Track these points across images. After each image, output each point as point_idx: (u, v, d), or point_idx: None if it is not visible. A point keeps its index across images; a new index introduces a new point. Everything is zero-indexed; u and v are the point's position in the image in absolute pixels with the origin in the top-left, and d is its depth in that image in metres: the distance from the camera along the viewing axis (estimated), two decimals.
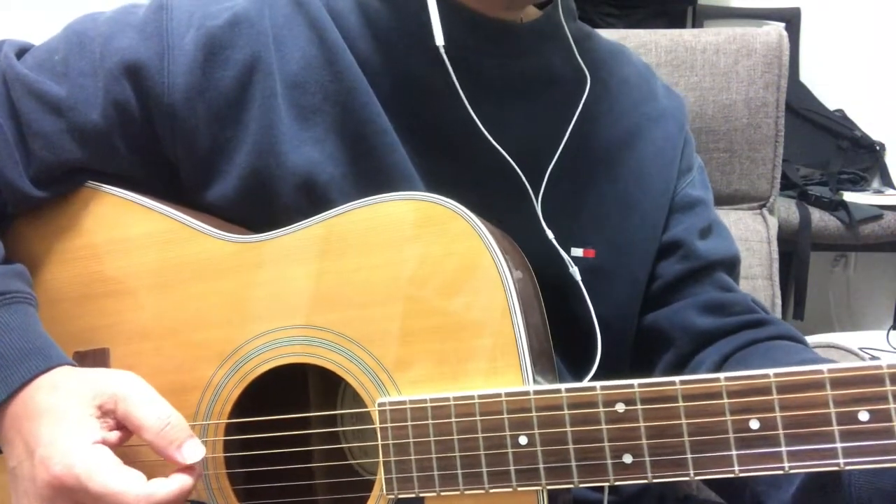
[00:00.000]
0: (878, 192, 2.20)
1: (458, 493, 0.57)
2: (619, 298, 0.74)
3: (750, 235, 1.37)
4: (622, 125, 0.77)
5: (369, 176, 0.68)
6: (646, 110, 0.79)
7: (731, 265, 0.80)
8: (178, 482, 0.58)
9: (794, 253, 2.02)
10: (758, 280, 1.35)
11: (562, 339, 0.65)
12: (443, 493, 0.57)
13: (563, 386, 0.55)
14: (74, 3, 0.91)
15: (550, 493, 0.56)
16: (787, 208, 2.04)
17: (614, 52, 0.81)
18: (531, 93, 0.74)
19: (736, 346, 0.73)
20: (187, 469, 0.58)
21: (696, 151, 0.84)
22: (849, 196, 2.10)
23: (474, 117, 0.68)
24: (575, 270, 0.70)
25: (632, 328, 0.76)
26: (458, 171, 0.71)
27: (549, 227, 0.70)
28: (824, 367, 0.50)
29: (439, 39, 0.66)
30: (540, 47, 0.74)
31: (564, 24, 0.75)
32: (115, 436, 0.59)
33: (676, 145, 0.80)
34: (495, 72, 0.72)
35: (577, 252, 0.72)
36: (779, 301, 1.36)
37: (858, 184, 2.22)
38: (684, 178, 0.80)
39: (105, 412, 0.59)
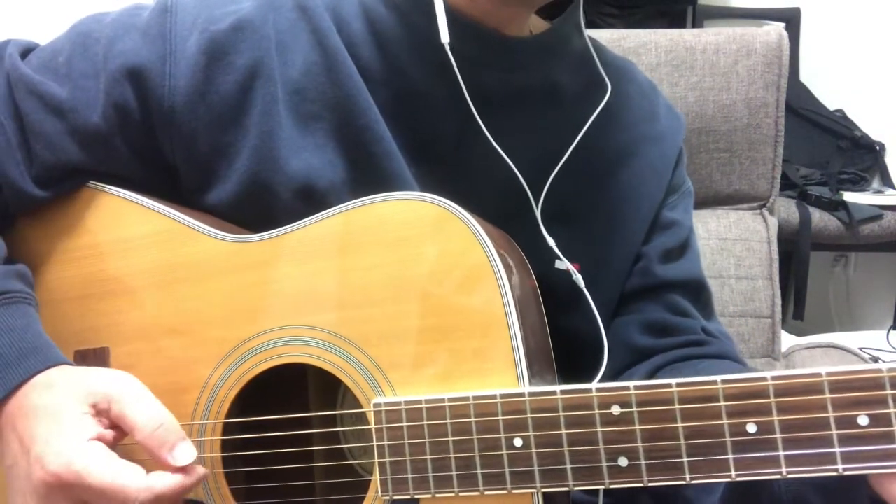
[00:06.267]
0: (878, 192, 2.20)
1: (452, 494, 0.57)
2: (593, 313, 0.74)
3: (750, 235, 1.36)
4: (619, 144, 0.77)
5: (367, 182, 0.67)
6: (645, 129, 0.79)
7: (692, 289, 0.80)
8: (179, 477, 0.57)
9: (794, 253, 2.02)
10: (758, 280, 1.35)
11: (557, 349, 0.65)
12: (437, 495, 0.57)
13: (558, 388, 0.55)
14: (80, 3, 0.91)
15: (548, 495, 0.56)
16: (787, 208, 2.04)
17: (619, 68, 0.80)
18: (533, 106, 0.73)
19: (670, 359, 0.73)
20: (187, 467, 0.58)
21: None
22: (849, 196, 2.10)
23: (481, 123, 0.67)
24: (578, 278, 0.70)
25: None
26: (454, 179, 0.70)
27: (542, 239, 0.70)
28: (823, 370, 0.49)
29: (445, 37, 0.66)
30: (544, 62, 0.73)
31: (571, 38, 0.74)
32: (110, 434, 0.59)
33: (669, 166, 0.80)
34: (496, 85, 0.71)
35: (561, 266, 0.71)
36: (779, 301, 1.36)
37: (858, 184, 2.21)
38: (668, 198, 0.80)
39: (99, 411, 0.59)
